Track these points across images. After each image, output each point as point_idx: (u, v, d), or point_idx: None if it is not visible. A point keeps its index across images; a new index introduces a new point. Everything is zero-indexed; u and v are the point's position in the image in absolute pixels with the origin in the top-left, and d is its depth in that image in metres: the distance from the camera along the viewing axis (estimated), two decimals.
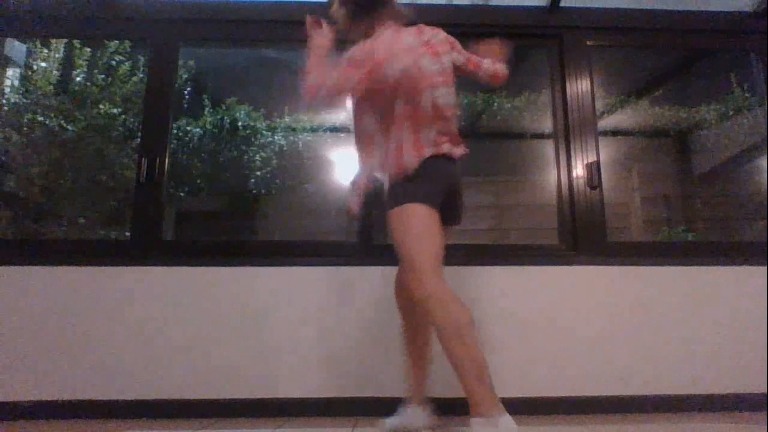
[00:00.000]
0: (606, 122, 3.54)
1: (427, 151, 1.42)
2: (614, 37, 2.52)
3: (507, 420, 1.24)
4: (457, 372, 1.28)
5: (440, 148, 1.45)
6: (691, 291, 2.15)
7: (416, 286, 1.35)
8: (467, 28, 2.49)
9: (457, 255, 2.22)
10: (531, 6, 2.49)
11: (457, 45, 1.65)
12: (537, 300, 2.13)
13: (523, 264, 2.17)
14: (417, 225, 1.37)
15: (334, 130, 3.80)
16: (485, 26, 2.49)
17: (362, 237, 2.23)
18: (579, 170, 2.35)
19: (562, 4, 2.46)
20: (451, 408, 2.03)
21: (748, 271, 2.18)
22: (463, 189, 1.56)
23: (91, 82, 3.54)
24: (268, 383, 2.02)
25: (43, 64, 3.39)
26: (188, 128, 3.69)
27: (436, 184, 1.43)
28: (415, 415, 1.58)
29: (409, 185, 1.40)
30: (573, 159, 2.36)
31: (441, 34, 1.59)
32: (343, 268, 2.12)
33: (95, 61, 3.57)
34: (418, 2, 2.50)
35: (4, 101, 3.15)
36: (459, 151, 1.52)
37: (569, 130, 2.39)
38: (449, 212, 1.51)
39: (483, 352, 1.30)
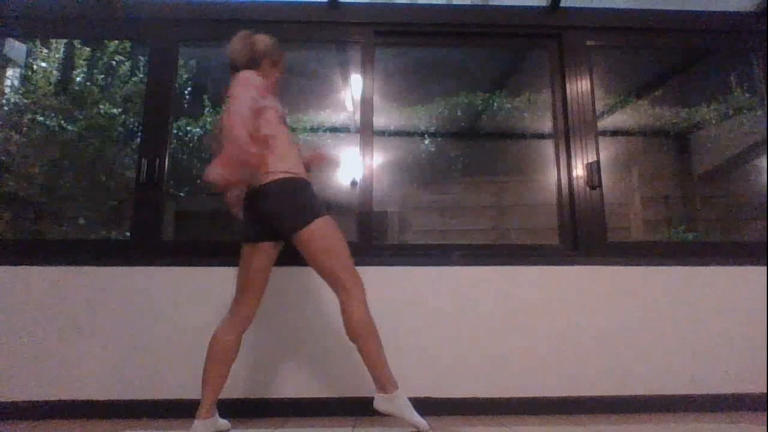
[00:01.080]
0: (606, 122, 3.54)
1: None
2: (614, 37, 2.52)
3: (197, 424, 1.55)
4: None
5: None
6: (691, 291, 2.16)
7: None
8: (467, 28, 2.50)
9: (457, 255, 2.22)
10: (531, 6, 2.49)
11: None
12: (537, 300, 2.13)
13: (523, 264, 2.17)
14: None
15: (334, 130, 3.80)
16: (485, 26, 2.49)
17: (362, 237, 2.24)
18: (579, 170, 2.35)
19: (562, 4, 2.46)
20: (457, 408, 2.04)
21: (748, 271, 2.18)
22: (265, 204, 1.60)
23: (91, 82, 3.54)
24: (268, 383, 2.02)
25: (43, 64, 3.39)
26: (188, 128, 3.69)
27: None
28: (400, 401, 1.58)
29: None
30: (573, 159, 2.36)
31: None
32: None
33: (95, 61, 3.58)
34: (419, 2, 2.50)
35: (4, 101, 3.15)
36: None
37: (569, 130, 2.39)
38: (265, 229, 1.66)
39: (213, 374, 1.60)
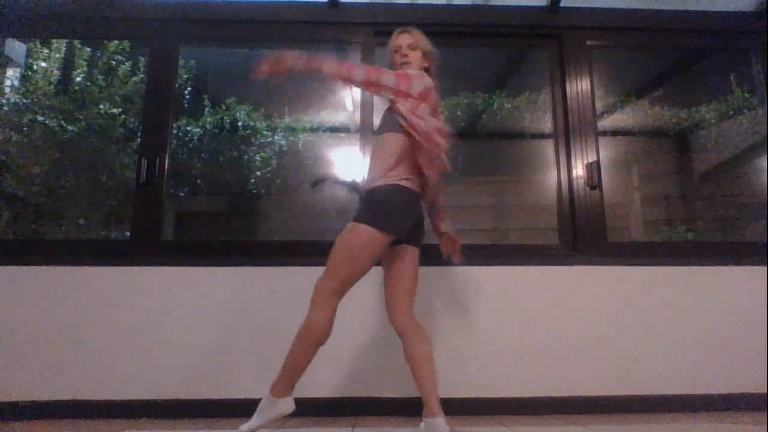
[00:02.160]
0: (606, 122, 3.53)
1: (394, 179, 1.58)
2: (614, 37, 2.52)
3: (286, 402, 1.58)
4: (287, 358, 1.57)
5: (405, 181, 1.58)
6: (691, 291, 2.16)
7: (315, 290, 1.56)
8: (467, 28, 2.50)
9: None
10: (531, 6, 2.49)
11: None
12: (537, 300, 2.13)
13: (523, 264, 2.17)
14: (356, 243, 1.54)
15: (334, 130, 3.79)
16: (485, 26, 2.49)
17: None
18: (579, 170, 2.35)
19: (562, 4, 2.46)
20: (457, 408, 2.03)
21: (748, 271, 2.18)
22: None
23: (91, 82, 3.54)
24: (267, 383, 2.02)
25: (43, 64, 3.39)
26: (188, 128, 3.68)
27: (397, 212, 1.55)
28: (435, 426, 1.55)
29: (372, 206, 1.55)
30: (573, 159, 2.36)
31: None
32: None
33: (95, 61, 3.57)
34: (419, 2, 2.50)
35: (4, 101, 3.15)
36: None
37: (569, 130, 2.39)
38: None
39: (309, 358, 1.57)
